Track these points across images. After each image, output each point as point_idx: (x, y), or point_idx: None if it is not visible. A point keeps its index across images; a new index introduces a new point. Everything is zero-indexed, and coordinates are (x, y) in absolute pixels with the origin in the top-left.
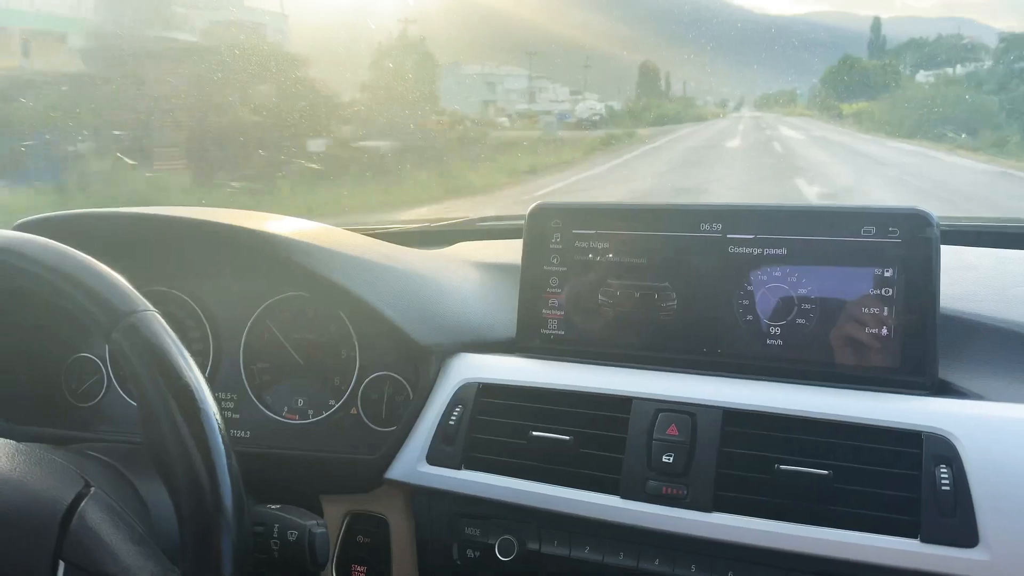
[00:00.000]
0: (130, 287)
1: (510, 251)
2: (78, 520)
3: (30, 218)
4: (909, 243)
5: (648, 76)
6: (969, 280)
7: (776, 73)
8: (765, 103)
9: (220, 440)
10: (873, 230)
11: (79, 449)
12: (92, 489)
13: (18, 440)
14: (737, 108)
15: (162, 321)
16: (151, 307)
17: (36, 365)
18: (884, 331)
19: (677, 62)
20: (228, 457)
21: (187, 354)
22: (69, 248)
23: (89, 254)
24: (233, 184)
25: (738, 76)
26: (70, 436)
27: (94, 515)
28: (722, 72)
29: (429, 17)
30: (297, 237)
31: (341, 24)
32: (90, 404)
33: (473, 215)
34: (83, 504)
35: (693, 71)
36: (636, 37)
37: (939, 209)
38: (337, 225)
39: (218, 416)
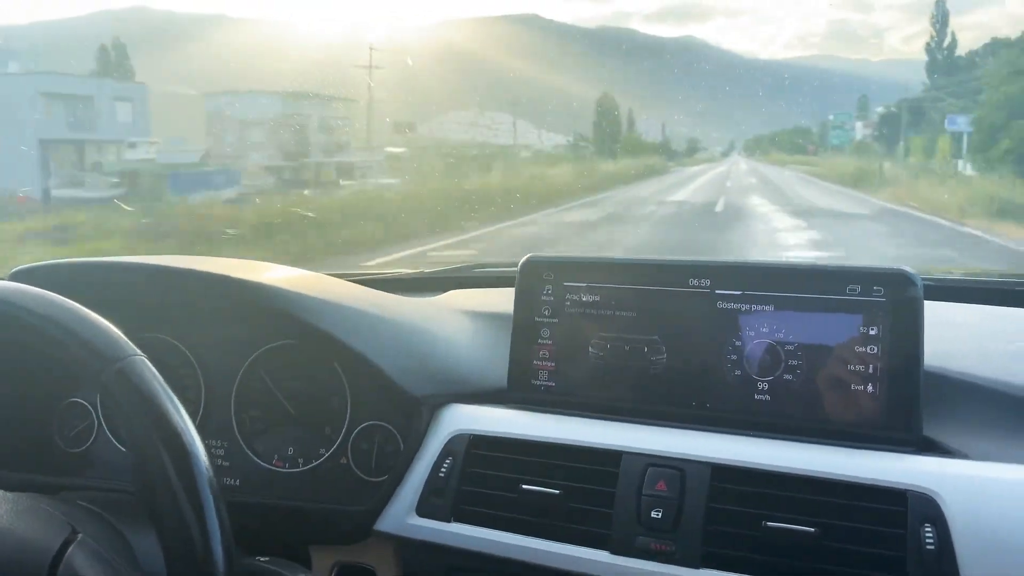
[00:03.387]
0: (118, 332)
1: (502, 300)
2: (65, 567)
3: (25, 266)
4: (894, 302)
5: (606, 112)
6: (952, 337)
7: (767, 117)
8: (758, 147)
9: (208, 486)
10: (858, 288)
11: (68, 498)
12: (79, 536)
13: (8, 486)
14: (726, 153)
15: (150, 366)
16: (139, 352)
17: (27, 410)
18: (869, 388)
19: (660, 104)
20: (217, 503)
21: (176, 399)
22: (57, 296)
23: (82, 302)
24: None
25: (728, 119)
26: (60, 483)
27: (81, 561)
28: (707, 115)
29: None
30: (288, 287)
31: None
32: (80, 449)
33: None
34: (70, 550)
35: (678, 114)
36: (619, 78)
37: None
38: (330, 270)
39: (207, 461)
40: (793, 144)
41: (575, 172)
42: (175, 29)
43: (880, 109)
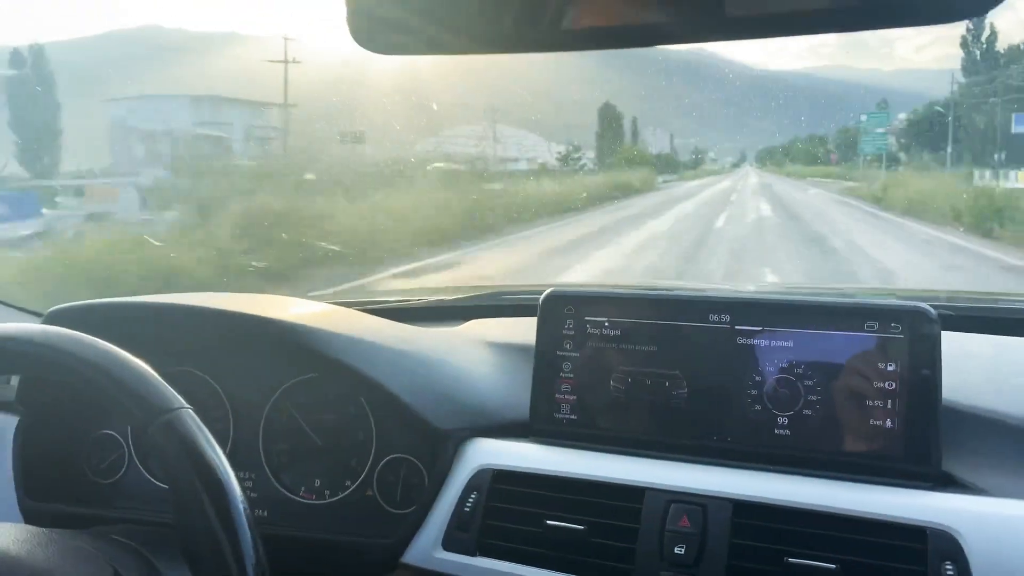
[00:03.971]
0: (165, 385)
1: (523, 330)
2: None
3: (61, 307)
4: (911, 339)
5: (608, 122)
6: (971, 370)
7: (779, 127)
8: (770, 158)
9: (251, 538)
10: (876, 325)
11: (103, 533)
12: None
13: (41, 519)
14: (737, 164)
15: (196, 418)
16: (186, 404)
17: (59, 442)
18: (888, 423)
19: (671, 116)
20: (257, 551)
21: (219, 450)
22: (107, 344)
23: (116, 341)
24: None
25: (739, 130)
26: (92, 514)
27: None
28: (718, 126)
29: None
30: (314, 323)
31: None
32: (111, 481)
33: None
34: None
35: (689, 125)
36: (629, 90)
37: None
38: (352, 297)
39: (250, 512)
40: (809, 154)
41: (461, 203)
42: (186, 47)
43: (904, 115)
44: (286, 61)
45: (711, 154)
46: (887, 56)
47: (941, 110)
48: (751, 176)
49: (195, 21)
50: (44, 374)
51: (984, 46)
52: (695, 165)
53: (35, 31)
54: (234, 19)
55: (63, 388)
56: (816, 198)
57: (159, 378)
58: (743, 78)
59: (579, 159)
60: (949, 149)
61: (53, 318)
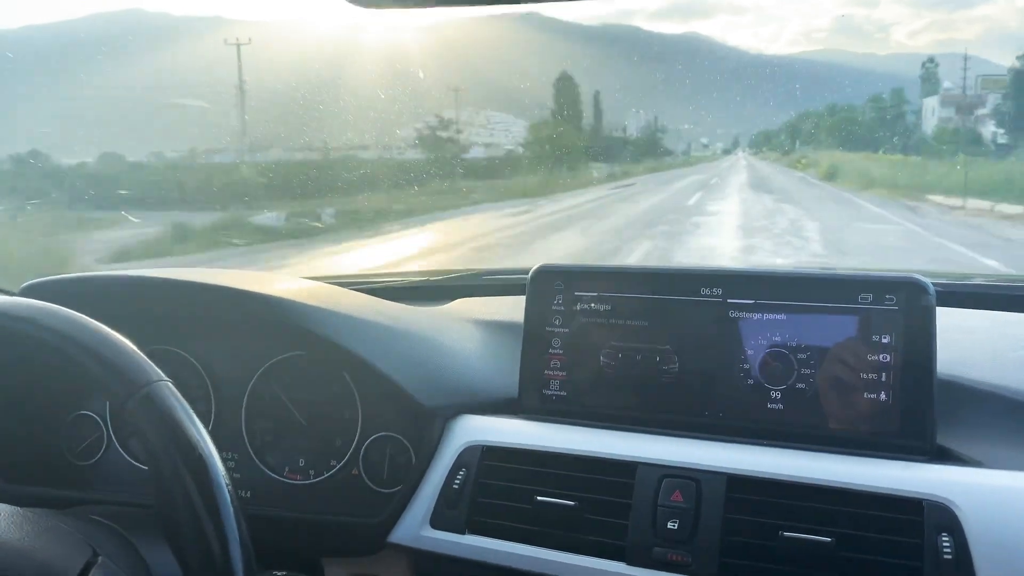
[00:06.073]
0: (144, 357)
1: (511, 308)
2: None
3: (35, 281)
4: (906, 311)
5: (565, 95)
6: (966, 344)
7: (773, 112)
8: (767, 143)
9: (233, 513)
10: (870, 297)
11: (83, 514)
12: (100, 558)
13: (18, 501)
14: (729, 151)
15: (175, 391)
16: (164, 377)
17: (35, 424)
18: (883, 396)
19: (661, 101)
20: (240, 529)
21: (200, 424)
22: (83, 317)
23: (93, 316)
24: None
25: (735, 115)
26: (70, 496)
27: None
28: (714, 110)
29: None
30: (298, 298)
31: None
32: (90, 463)
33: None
34: (91, 574)
35: (682, 110)
36: (621, 75)
37: None
38: (339, 277)
39: (231, 488)
40: (854, 128)
41: None
42: (169, 31)
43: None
44: None
45: (703, 139)
46: (882, 41)
47: None
48: (739, 166)
49: (178, 5)
50: (15, 348)
51: None
52: (649, 154)
53: (13, 13)
54: (219, 3)
55: (39, 366)
56: None
57: (136, 350)
58: (737, 63)
59: (450, 139)
60: None
61: (27, 293)
